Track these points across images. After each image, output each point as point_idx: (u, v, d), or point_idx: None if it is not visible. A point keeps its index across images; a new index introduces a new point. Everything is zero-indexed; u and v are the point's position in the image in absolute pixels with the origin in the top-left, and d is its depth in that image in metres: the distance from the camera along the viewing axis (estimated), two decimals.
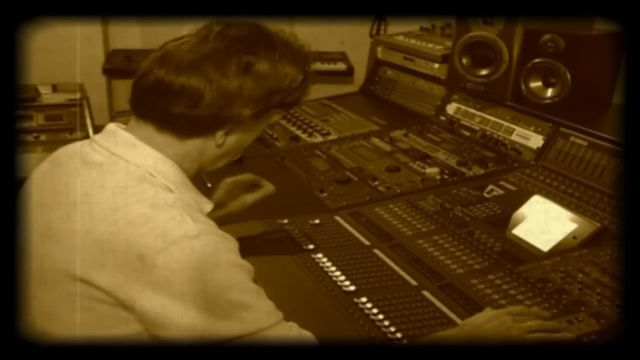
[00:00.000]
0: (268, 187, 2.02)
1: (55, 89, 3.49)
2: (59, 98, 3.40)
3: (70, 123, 3.18)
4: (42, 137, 3.08)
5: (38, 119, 3.21)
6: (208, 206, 1.52)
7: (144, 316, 1.28)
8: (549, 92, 2.72)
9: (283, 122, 3.20)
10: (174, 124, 1.41)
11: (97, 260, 1.28)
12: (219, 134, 1.44)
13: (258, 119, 1.45)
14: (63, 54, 3.86)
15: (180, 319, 1.26)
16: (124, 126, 1.49)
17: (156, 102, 1.40)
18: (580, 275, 1.79)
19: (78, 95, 3.39)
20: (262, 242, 2.05)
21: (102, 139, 1.45)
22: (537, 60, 2.72)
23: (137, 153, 1.41)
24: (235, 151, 1.54)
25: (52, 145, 2.95)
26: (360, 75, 3.97)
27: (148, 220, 1.28)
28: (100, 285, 1.27)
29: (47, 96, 3.43)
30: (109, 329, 1.31)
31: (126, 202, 1.32)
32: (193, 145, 1.45)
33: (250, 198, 2.02)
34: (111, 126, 1.48)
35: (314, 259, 1.94)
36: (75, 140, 2.99)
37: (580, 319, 1.62)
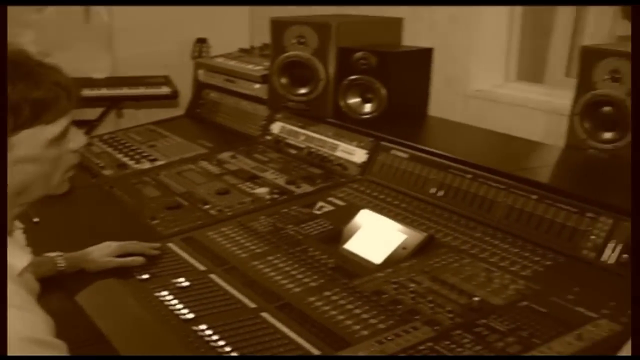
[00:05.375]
0: (139, 259, 2.02)
1: None
2: None
3: None
4: None
5: None
6: (20, 264, 1.34)
7: None
8: (367, 107, 2.82)
9: (109, 149, 3.12)
10: None
11: None
12: None
13: None
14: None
15: None
16: None
17: None
18: (412, 285, 1.85)
19: None
20: (93, 275, 1.99)
21: None
22: (352, 77, 2.80)
23: None
24: (20, 186, 1.34)
25: None
26: (187, 98, 3.95)
27: None
28: None
29: None
30: None
31: None
32: None
33: (115, 262, 2.00)
34: None
35: (148, 288, 1.90)
36: None
37: (416, 327, 1.67)
